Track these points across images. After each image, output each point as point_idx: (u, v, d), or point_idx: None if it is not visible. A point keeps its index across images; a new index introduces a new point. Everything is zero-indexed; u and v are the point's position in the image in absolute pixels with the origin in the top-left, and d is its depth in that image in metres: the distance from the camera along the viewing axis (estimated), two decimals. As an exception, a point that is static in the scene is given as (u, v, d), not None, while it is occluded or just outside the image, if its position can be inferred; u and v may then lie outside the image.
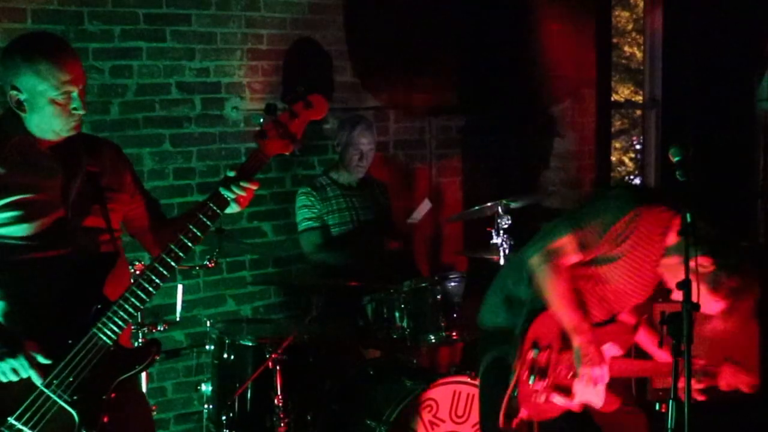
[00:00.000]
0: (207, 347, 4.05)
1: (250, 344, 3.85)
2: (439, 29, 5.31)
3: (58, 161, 2.60)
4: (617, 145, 9.09)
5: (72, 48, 2.62)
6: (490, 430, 2.98)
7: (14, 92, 2.53)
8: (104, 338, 2.53)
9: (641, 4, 6.39)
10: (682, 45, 5.42)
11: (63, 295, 2.55)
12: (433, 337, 3.89)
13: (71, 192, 2.60)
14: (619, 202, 2.87)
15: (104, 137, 3.02)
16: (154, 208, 2.89)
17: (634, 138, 9.11)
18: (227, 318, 4.50)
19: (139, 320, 3.76)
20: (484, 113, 5.44)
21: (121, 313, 2.55)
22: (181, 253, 2.60)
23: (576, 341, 2.84)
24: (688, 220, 2.50)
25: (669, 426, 2.44)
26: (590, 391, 2.88)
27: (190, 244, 2.60)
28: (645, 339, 3.19)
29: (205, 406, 4.00)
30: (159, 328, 3.80)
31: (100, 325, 2.53)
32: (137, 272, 3.34)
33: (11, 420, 2.48)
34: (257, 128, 2.67)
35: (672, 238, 2.84)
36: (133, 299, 2.56)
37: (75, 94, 2.54)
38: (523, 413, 2.88)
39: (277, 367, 3.72)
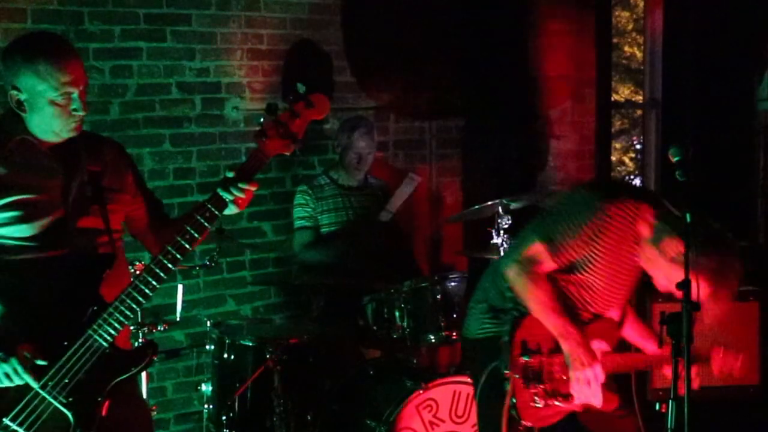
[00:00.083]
0: (207, 347, 4.05)
1: (250, 344, 3.84)
2: (439, 29, 5.30)
3: (58, 161, 2.59)
4: (617, 145, 9.09)
5: (73, 48, 2.61)
6: None
7: (14, 92, 2.52)
8: (100, 340, 2.51)
9: (641, 4, 6.39)
10: (682, 45, 5.42)
11: (60, 296, 2.54)
12: (433, 337, 3.89)
13: (71, 193, 2.59)
14: (584, 202, 2.86)
15: (107, 136, 2.99)
16: (156, 208, 2.87)
17: (634, 138, 9.11)
18: (227, 318, 4.49)
19: (139, 320, 3.76)
20: (484, 113, 5.44)
21: (117, 315, 2.53)
22: (178, 255, 2.57)
23: (565, 346, 2.85)
24: (688, 220, 2.50)
25: (669, 426, 2.44)
26: (587, 392, 2.87)
27: (187, 246, 2.58)
28: (632, 333, 3.17)
29: (205, 406, 4.00)
30: (159, 328, 3.80)
31: (95, 327, 2.51)
32: (137, 272, 3.34)
33: (6, 421, 2.47)
34: (258, 128, 2.65)
35: (644, 230, 2.84)
36: (129, 301, 2.54)
37: (75, 95, 2.53)
38: (526, 421, 2.86)
39: (277, 367, 3.72)
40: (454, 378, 3.76)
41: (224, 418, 3.82)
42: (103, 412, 2.53)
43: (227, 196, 2.60)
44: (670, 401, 2.46)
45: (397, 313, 3.94)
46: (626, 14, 8.65)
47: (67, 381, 2.49)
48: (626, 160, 9.37)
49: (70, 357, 2.50)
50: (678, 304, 2.48)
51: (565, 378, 2.90)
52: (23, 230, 2.53)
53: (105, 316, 2.52)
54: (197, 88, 4.56)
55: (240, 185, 2.59)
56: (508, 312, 2.95)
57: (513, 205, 4.22)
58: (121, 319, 2.53)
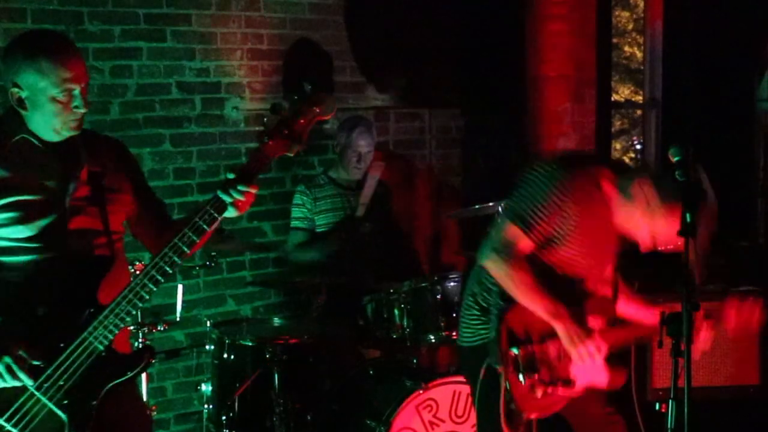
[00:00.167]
0: (207, 347, 4.05)
1: (250, 344, 3.85)
2: (439, 29, 5.31)
3: (57, 162, 2.57)
4: (617, 145, 9.09)
5: (74, 45, 2.60)
6: None
7: (15, 89, 2.50)
8: (95, 343, 2.49)
9: (641, 4, 6.39)
10: (682, 45, 5.42)
11: (57, 297, 2.52)
12: (433, 337, 3.89)
13: (68, 193, 2.57)
14: (546, 176, 2.81)
15: (109, 135, 2.95)
16: (158, 209, 2.84)
17: (634, 138, 9.10)
18: (227, 318, 4.49)
19: (139, 320, 3.76)
20: (484, 113, 5.44)
21: (113, 317, 2.50)
22: (176, 259, 2.53)
23: (558, 327, 2.79)
24: (688, 220, 2.50)
25: (669, 426, 2.43)
26: (591, 370, 2.82)
27: (186, 249, 2.54)
28: (627, 308, 3.10)
29: (205, 406, 4.00)
30: (159, 328, 3.80)
31: (91, 330, 2.49)
32: (137, 272, 3.34)
33: (1, 421, 2.46)
34: (261, 128, 2.59)
35: (610, 189, 2.82)
36: (125, 304, 2.50)
37: (76, 92, 2.51)
38: (527, 414, 2.82)
39: (277, 367, 3.72)
40: (454, 378, 3.75)
41: (224, 418, 3.82)
42: (98, 416, 2.50)
43: (227, 199, 2.54)
44: (670, 401, 2.45)
45: (396, 313, 3.94)
46: (626, 14, 8.65)
47: (62, 383, 2.48)
48: (626, 160, 9.37)
49: (65, 359, 2.48)
50: (678, 305, 2.48)
51: (562, 361, 2.85)
52: (20, 231, 2.52)
53: (101, 318, 2.49)
54: (197, 88, 4.56)
55: (239, 187, 2.53)
56: (495, 308, 2.89)
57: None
58: (117, 322, 2.50)
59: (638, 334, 3.05)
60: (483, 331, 2.93)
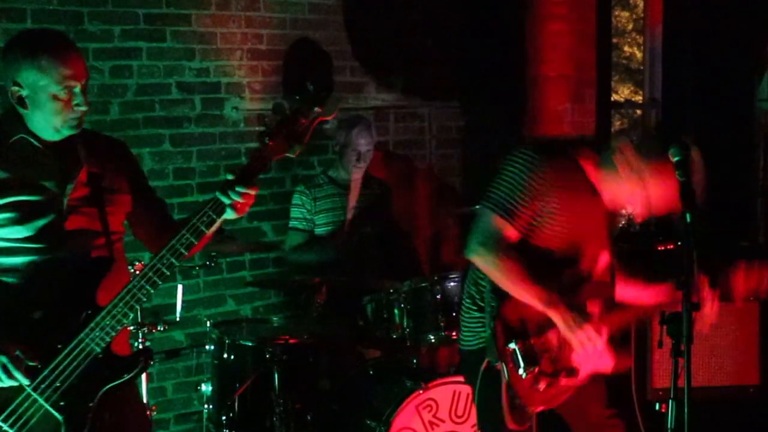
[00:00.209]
0: (207, 347, 4.05)
1: (250, 344, 3.85)
2: (439, 29, 5.31)
3: (56, 162, 2.56)
4: (617, 145, 9.06)
5: (74, 44, 2.59)
6: None
7: (15, 88, 2.49)
8: (92, 344, 2.47)
9: (641, 4, 6.39)
10: (682, 45, 5.42)
11: (55, 298, 2.51)
12: (433, 337, 3.89)
13: (67, 194, 2.55)
14: (523, 162, 2.77)
15: (110, 135, 2.94)
16: (159, 209, 2.82)
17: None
18: (227, 318, 4.49)
19: (139, 320, 3.76)
20: (484, 113, 5.44)
21: (109, 319, 2.47)
22: (174, 261, 2.50)
23: (553, 315, 2.74)
24: (688, 220, 2.49)
25: (669, 426, 2.43)
26: (593, 356, 2.78)
27: (184, 252, 2.50)
28: (625, 292, 3.04)
29: (205, 406, 4.00)
30: (159, 328, 3.80)
31: (87, 331, 2.46)
32: (137, 273, 3.33)
33: None
34: (262, 128, 2.55)
35: (592, 170, 2.81)
36: (122, 306, 2.48)
37: (77, 89, 2.50)
38: (532, 408, 2.77)
39: (277, 367, 3.72)
40: (454, 378, 3.75)
41: (224, 418, 3.82)
42: (98, 418, 2.49)
43: (225, 200, 2.49)
44: (670, 401, 2.45)
45: (396, 313, 3.94)
46: (626, 14, 8.65)
47: (58, 384, 2.46)
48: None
49: (62, 360, 2.46)
50: (678, 305, 2.47)
51: (563, 351, 2.80)
52: (18, 231, 2.50)
53: (98, 320, 2.47)
54: (197, 88, 4.56)
55: (238, 189, 2.48)
56: (488, 305, 2.84)
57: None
58: (114, 324, 2.47)
59: (639, 314, 2.99)
60: (484, 333, 2.89)
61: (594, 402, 3.03)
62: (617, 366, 2.89)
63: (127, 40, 4.33)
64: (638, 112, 7.43)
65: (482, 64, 5.39)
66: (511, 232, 2.76)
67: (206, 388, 3.96)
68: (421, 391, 3.69)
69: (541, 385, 2.77)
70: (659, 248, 4.63)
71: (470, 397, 3.74)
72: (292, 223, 4.49)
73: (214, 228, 2.56)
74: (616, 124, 8.73)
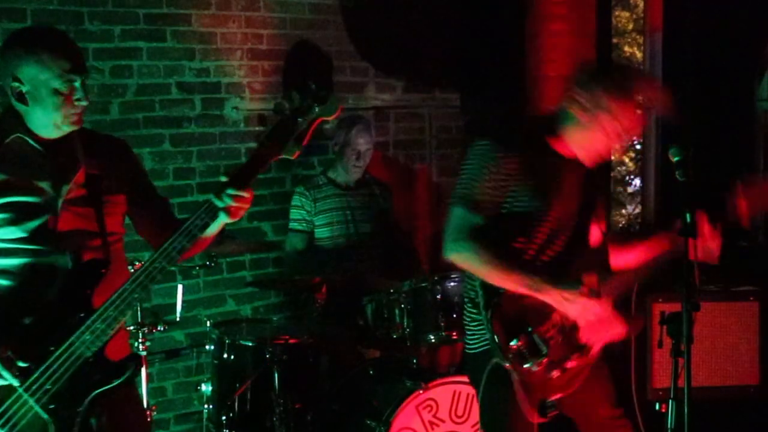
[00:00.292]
0: (207, 347, 4.06)
1: (250, 344, 3.85)
2: (439, 30, 5.31)
3: (54, 162, 2.54)
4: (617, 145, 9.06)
5: (72, 40, 2.59)
6: None
7: (16, 84, 2.47)
8: (82, 348, 2.42)
9: (641, 4, 6.39)
10: (682, 45, 5.42)
11: (50, 300, 2.48)
12: (433, 337, 3.88)
13: (62, 194, 2.53)
14: (479, 152, 2.80)
15: (111, 135, 2.92)
16: (161, 209, 2.78)
17: (634, 138, 9.10)
18: (227, 318, 4.49)
19: (139, 320, 3.76)
20: (483, 113, 5.44)
21: (100, 323, 2.42)
22: (167, 264, 2.45)
23: (543, 297, 2.72)
24: (688, 220, 2.49)
25: (669, 426, 2.43)
26: (603, 327, 2.75)
27: (177, 255, 2.46)
28: (621, 260, 3.00)
29: (205, 406, 4.00)
30: (159, 328, 3.80)
31: (78, 334, 2.42)
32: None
33: None
34: (261, 128, 2.55)
35: (558, 140, 2.83)
36: (112, 309, 2.42)
37: (78, 84, 2.48)
38: (551, 396, 2.75)
39: (277, 367, 3.72)
40: (454, 378, 3.76)
41: (224, 418, 3.82)
42: (83, 422, 2.45)
43: (218, 204, 2.44)
44: (670, 401, 2.45)
45: (396, 313, 3.94)
46: (626, 14, 8.65)
47: (48, 387, 2.42)
48: (626, 160, 9.37)
49: (52, 363, 2.42)
50: (678, 304, 2.48)
51: (570, 331, 2.78)
52: (12, 232, 2.48)
53: (88, 323, 2.42)
54: (197, 88, 4.56)
55: (229, 191, 2.42)
56: (483, 308, 2.82)
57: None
58: (105, 328, 2.42)
59: (639, 273, 2.93)
60: (486, 335, 2.86)
61: (602, 402, 3.03)
62: (630, 331, 2.85)
63: (127, 40, 4.33)
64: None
65: (482, 64, 5.39)
66: (478, 220, 2.77)
67: (206, 388, 3.96)
68: (421, 391, 3.69)
69: (554, 374, 2.76)
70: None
71: (470, 397, 3.75)
72: (292, 225, 4.49)
73: (215, 231, 2.53)
74: (616, 124, 8.73)
